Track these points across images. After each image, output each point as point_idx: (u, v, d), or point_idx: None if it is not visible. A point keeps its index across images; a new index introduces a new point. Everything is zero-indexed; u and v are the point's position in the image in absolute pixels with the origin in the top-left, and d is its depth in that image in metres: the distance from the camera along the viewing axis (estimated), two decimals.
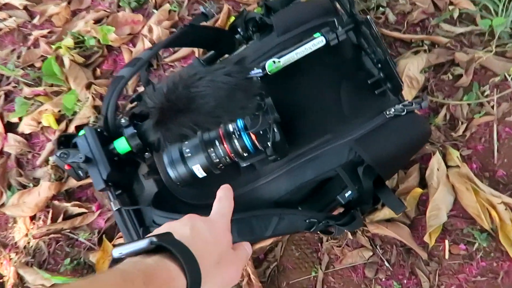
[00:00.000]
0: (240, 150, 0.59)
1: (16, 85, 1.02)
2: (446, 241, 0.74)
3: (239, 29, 0.81)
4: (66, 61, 0.94)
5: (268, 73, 0.63)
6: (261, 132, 0.57)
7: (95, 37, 0.96)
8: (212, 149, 0.59)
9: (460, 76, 0.83)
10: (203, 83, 0.49)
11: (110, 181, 0.62)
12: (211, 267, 0.35)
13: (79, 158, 0.60)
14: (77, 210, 0.84)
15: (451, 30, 0.86)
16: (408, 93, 0.81)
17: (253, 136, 0.58)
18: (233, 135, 0.59)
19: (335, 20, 0.63)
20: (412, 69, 0.83)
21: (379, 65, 0.65)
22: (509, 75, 0.80)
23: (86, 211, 0.84)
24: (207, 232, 0.37)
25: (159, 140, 0.58)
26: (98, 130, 0.65)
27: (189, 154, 0.60)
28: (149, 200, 0.66)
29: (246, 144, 0.59)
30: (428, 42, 0.86)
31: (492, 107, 0.80)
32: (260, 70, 0.52)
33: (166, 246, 0.32)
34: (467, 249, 0.73)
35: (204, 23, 0.79)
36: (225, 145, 0.59)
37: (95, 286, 0.28)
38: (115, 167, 0.63)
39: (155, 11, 1.00)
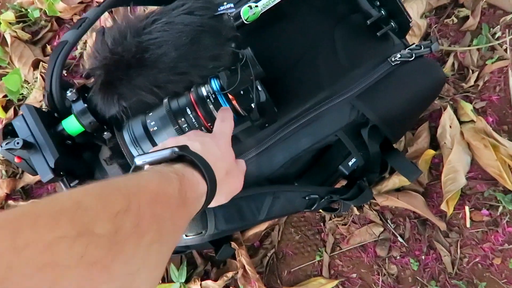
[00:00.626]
0: None
1: None
2: (466, 208, 0.64)
3: None
4: (8, 38, 0.80)
5: (245, 21, 0.52)
6: (241, 92, 0.46)
7: (40, 9, 0.82)
8: (183, 119, 0.48)
9: (466, 18, 0.73)
10: (158, 27, 0.37)
11: (61, 170, 0.50)
12: (221, 178, 0.37)
13: (16, 143, 0.48)
14: None
15: None
16: (409, 42, 0.70)
17: (231, 98, 0.47)
18: (208, 99, 0.47)
19: None
20: (411, 14, 0.71)
21: (378, 2, 0.54)
22: None
23: None
24: (215, 147, 0.39)
25: (119, 115, 0.47)
26: (43, 109, 0.53)
27: (155, 128, 0.49)
28: None
29: None
30: None
31: (506, 50, 0.70)
32: (232, 5, 0.40)
33: (188, 156, 0.34)
34: (491, 215, 0.63)
35: None
36: (199, 113, 0.48)
37: (139, 179, 0.29)
38: (67, 152, 0.52)
39: None
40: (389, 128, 0.54)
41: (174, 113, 0.48)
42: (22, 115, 0.50)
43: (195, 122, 0.48)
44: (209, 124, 0.48)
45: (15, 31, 0.81)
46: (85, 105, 0.50)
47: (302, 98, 0.53)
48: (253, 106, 0.46)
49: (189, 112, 0.47)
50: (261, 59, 0.52)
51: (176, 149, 0.34)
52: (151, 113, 0.49)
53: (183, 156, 0.34)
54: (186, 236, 0.51)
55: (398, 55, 0.53)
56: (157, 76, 0.39)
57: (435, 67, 0.55)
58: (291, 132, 0.53)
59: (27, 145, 0.48)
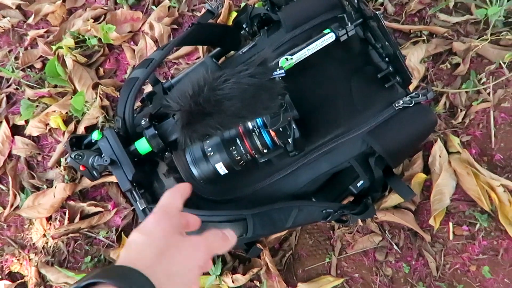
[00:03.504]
0: (260, 146, 0.61)
1: (17, 87, 1.01)
2: (450, 223, 0.78)
3: (244, 25, 0.82)
4: (69, 62, 0.94)
5: (285, 73, 0.66)
6: (280, 129, 0.60)
7: (95, 36, 0.96)
8: (234, 147, 0.61)
9: (458, 65, 0.86)
10: (229, 85, 0.51)
11: (135, 181, 0.64)
12: (152, 261, 0.33)
13: (105, 161, 0.62)
14: (93, 209, 0.86)
15: (447, 20, 0.89)
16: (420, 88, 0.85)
17: (272, 133, 0.61)
18: (253, 133, 0.61)
19: (345, 16, 0.65)
20: (412, 59, 0.86)
21: (387, 59, 0.68)
22: (504, 63, 0.84)
23: (102, 210, 0.86)
24: (140, 236, 0.36)
25: (179, 141, 0.60)
26: (115, 131, 0.66)
27: (212, 153, 0.62)
28: None
29: (266, 141, 0.61)
30: (426, 32, 0.89)
31: (489, 94, 0.84)
32: (283, 71, 0.55)
33: (91, 281, 0.30)
34: (470, 230, 0.78)
35: (209, 21, 0.81)
36: (246, 143, 0.61)
37: None
38: (138, 168, 0.65)
39: (154, 7, 1.00)
40: (391, 158, 0.68)
41: (227, 141, 0.62)
42: (106, 137, 0.64)
43: (242, 150, 0.61)
44: (253, 152, 0.62)
45: (75, 56, 0.94)
46: (155, 131, 0.63)
47: (323, 132, 0.67)
48: (290, 141, 0.60)
49: (238, 141, 0.61)
50: (293, 100, 0.66)
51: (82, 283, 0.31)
52: (207, 141, 0.63)
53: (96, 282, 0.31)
54: None
55: (401, 102, 0.67)
56: (223, 119, 0.52)
57: (429, 112, 0.69)
58: (314, 158, 0.67)
59: (112, 162, 0.62)
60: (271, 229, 0.67)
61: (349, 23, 0.65)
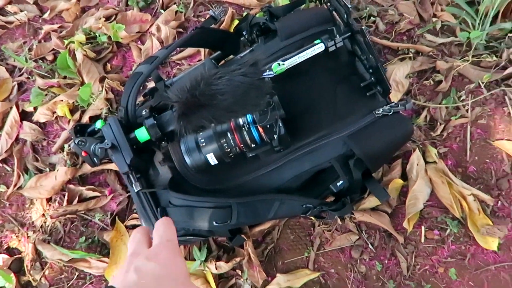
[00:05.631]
0: (248, 141, 0.67)
1: (28, 76, 1.08)
2: (423, 227, 0.84)
3: (244, 32, 0.89)
4: (79, 56, 1.01)
5: (274, 74, 0.72)
6: (268, 126, 0.66)
7: (105, 34, 1.03)
8: (224, 140, 0.67)
9: (440, 82, 0.93)
10: (223, 81, 0.57)
11: (132, 166, 0.69)
12: None
13: (106, 144, 0.67)
14: (91, 193, 0.91)
15: (433, 40, 0.96)
16: (394, 96, 0.91)
17: (260, 129, 0.67)
18: (243, 128, 0.67)
19: (334, 29, 0.71)
20: (398, 74, 0.93)
21: (371, 70, 0.74)
22: (483, 83, 0.90)
23: (99, 194, 0.91)
24: (151, 264, 0.35)
25: (175, 131, 0.66)
26: (119, 120, 0.72)
27: (204, 144, 0.68)
28: (164, 185, 0.74)
29: (254, 136, 0.67)
30: (413, 50, 0.96)
31: (467, 110, 0.91)
32: (272, 72, 0.61)
33: None
34: (440, 234, 0.83)
35: (212, 26, 0.87)
36: (236, 137, 0.67)
37: None
38: (136, 154, 0.71)
39: (162, 11, 1.07)
40: (370, 161, 0.74)
41: (218, 134, 0.68)
42: (109, 124, 0.70)
43: (232, 143, 0.67)
44: (242, 146, 0.68)
45: (85, 50, 1.01)
46: (155, 121, 0.70)
47: (308, 133, 0.73)
48: (275, 137, 0.66)
49: (229, 135, 0.67)
50: (282, 102, 0.72)
51: None
52: (201, 133, 0.69)
53: None
54: (216, 223, 0.71)
55: (381, 110, 0.74)
56: (216, 112, 0.59)
57: (406, 122, 0.75)
58: (298, 157, 0.73)
59: (113, 147, 0.68)
60: (254, 218, 0.72)
61: (337, 35, 0.72)
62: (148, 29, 1.07)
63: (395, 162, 0.88)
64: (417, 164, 0.87)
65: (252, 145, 0.68)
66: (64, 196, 0.92)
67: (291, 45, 0.77)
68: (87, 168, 0.93)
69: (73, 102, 0.98)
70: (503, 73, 0.89)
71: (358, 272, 0.84)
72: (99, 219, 0.90)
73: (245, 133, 0.67)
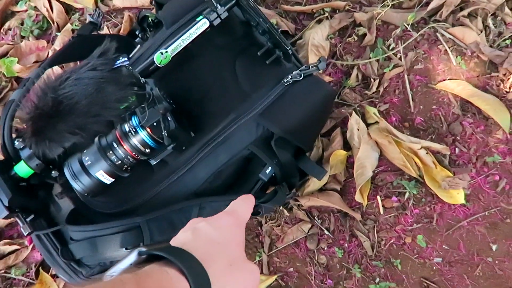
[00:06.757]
0: (140, 147, 0.57)
1: None
2: (378, 197, 0.74)
3: (137, 32, 0.80)
4: None
5: (159, 65, 0.63)
6: (154, 124, 0.56)
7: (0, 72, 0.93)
8: (111, 152, 0.57)
9: (365, 35, 0.84)
10: (70, 83, 0.48)
11: (16, 207, 0.59)
12: (222, 269, 0.32)
13: None
14: (8, 248, 0.81)
15: None
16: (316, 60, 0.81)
17: (148, 130, 0.57)
18: (130, 133, 0.57)
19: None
20: (316, 37, 0.83)
21: (267, 36, 0.65)
22: (408, 25, 0.81)
23: (18, 247, 0.81)
24: (211, 230, 0.34)
25: (33, 152, 0.56)
26: None
27: (89, 162, 0.58)
28: None
29: (144, 139, 0.57)
30: (329, 9, 0.87)
31: (400, 58, 0.82)
32: (126, 59, 0.51)
33: (157, 253, 0.29)
34: (399, 200, 0.73)
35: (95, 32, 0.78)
36: (124, 145, 0.57)
37: None
38: (21, 192, 0.61)
39: (58, 34, 0.98)
40: (293, 137, 0.64)
41: (103, 148, 0.58)
42: None
43: (122, 154, 0.57)
44: (134, 154, 0.58)
45: None
46: (31, 151, 0.59)
47: (214, 122, 0.63)
48: (164, 134, 0.56)
49: (115, 145, 0.57)
50: (177, 95, 0.63)
51: (142, 249, 0.31)
52: (85, 151, 0.59)
53: (155, 255, 0.30)
54: (126, 249, 0.60)
55: (290, 77, 0.64)
56: (75, 120, 0.49)
57: (321, 83, 0.65)
58: (209, 151, 0.63)
59: None
60: (171, 233, 0.61)
61: (218, 5, 0.62)
62: (46, 56, 0.97)
63: (333, 132, 0.79)
64: (358, 129, 0.77)
65: (147, 150, 0.58)
66: None
67: (177, 31, 0.67)
68: (0, 222, 0.83)
69: None
70: (427, 9, 0.80)
71: (318, 264, 0.73)
72: (22, 274, 0.79)
73: (133, 138, 0.57)
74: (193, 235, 0.33)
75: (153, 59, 0.62)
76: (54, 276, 0.78)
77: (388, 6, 0.83)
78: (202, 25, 0.62)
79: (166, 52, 0.62)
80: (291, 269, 0.74)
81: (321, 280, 0.72)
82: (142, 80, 0.56)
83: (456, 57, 0.79)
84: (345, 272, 0.72)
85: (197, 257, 0.30)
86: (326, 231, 0.74)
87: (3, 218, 0.59)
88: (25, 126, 0.49)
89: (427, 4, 0.81)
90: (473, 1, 0.80)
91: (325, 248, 0.74)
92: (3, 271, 0.80)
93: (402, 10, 0.84)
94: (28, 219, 0.62)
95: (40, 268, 0.79)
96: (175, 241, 0.34)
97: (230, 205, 0.40)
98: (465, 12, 0.80)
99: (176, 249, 0.31)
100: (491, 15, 0.79)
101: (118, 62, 0.50)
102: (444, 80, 0.78)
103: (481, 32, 0.79)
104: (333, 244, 0.73)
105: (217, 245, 0.33)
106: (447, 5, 0.80)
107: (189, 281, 0.28)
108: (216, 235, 0.34)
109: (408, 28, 0.82)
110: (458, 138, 0.74)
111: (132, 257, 0.30)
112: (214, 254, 0.32)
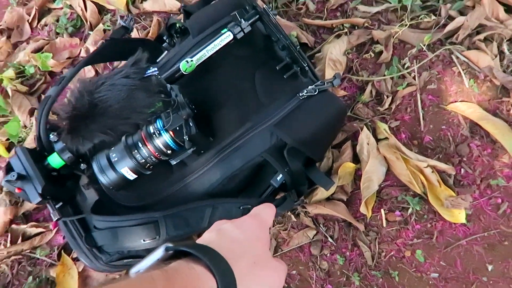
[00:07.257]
0: (163, 148, 0.62)
1: None
2: (382, 210, 0.77)
3: (164, 37, 0.85)
4: (9, 92, 0.97)
5: (184, 73, 0.67)
6: (177, 128, 0.61)
7: (35, 65, 1.00)
8: (136, 151, 0.62)
9: (381, 52, 0.87)
10: (104, 88, 0.53)
11: (47, 195, 0.65)
12: (246, 268, 0.33)
13: (12, 176, 0.63)
14: (35, 230, 0.87)
15: (367, 10, 0.90)
16: (332, 75, 0.85)
17: (171, 133, 0.62)
18: (154, 135, 0.62)
19: (237, 14, 0.67)
20: (334, 52, 0.87)
21: (285, 52, 0.69)
22: (424, 45, 0.84)
23: (43, 230, 0.87)
24: (235, 230, 0.36)
25: (68, 147, 0.62)
26: (32, 148, 0.68)
27: (116, 159, 0.63)
28: None
29: (167, 142, 0.62)
30: (348, 25, 0.90)
31: (414, 77, 0.84)
32: (156, 69, 0.56)
33: (185, 250, 0.31)
34: (402, 215, 0.76)
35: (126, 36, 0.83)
36: (148, 146, 0.62)
37: None
38: (52, 181, 0.66)
39: (91, 32, 1.04)
40: (305, 148, 0.68)
41: (129, 147, 0.63)
42: (17, 154, 0.66)
43: (146, 153, 0.62)
44: (157, 154, 0.63)
45: (15, 86, 0.98)
46: (64, 144, 0.65)
47: (231, 129, 0.68)
48: (186, 138, 0.61)
49: (140, 145, 0.62)
50: (198, 101, 0.67)
51: (170, 244, 0.32)
52: (113, 148, 0.64)
53: (183, 251, 0.31)
54: (144, 241, 0.65)
55: (305, 91, 0.68)
56: (107, 122, 0.54)
57: (335, 99, 0.69)
58: (225, 156, 0.68)
59: (20, 177, 0.63)
60: (185, 230, 0.67)
61: (242, 20, 0.67)
62: (79, 53, 1.03)
63: (344, 145, 0.82)
64: (367, 143, 0.81)
65: (168, 152, 0.63)
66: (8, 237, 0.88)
67: (202, 40, 0.72)
68: (29, 205, 0.89)
69: (6, 139, 0.94)
70: (444, 31, 0.83)
71: (320, 269, 0.77)
72: (45, 255, 0.85)
73: (157, 140, 0.62)
74: (218, 235, 0.35)
75: (179, 67, 0.67)
76: (75, 259, 0.84)
77: (406, 25, 0.86)
78: (226, 37, 0.67)
79: (192, 61, 0.67)
80: (294, 272, 0.78)
81: (322, 285, 0.76)
82: (168, 87, 0.61)
83: (469, 80, 0.81)
84: (344, 279, 0.75)
85: (232, 268, 0.31)
86: (330, 239, 0.78)
87: (37, 204, 0.65)
88: (63, 124, 0.55)
89: (444, 26, 0.84)
90: (490, 26, 0.82)
91: (328, 254, 0.77)
92: (28, 250, 0.86)
93: (419, 30, 0.87)
94: (57, 206, 0.68)
95: (62, 251, 0.85)
96: (200, 241, 0.35)
97: (253, 210, 0.42)
98: (481, 36, 0.82)
99: (203, 247, 0.32)
100: (507, 40, 0.81)
101: (148, 71, 0.55)
102: (455, 101, 0.81)
103: (496, 57, 0.81)
104: (336, 252, 0.77)
105: (241, 244, 0.35)
106: (464, 28, 0.82)
107: (216, 278, 0.29)
108: (240, 235, 0.35)
109: (424, 48, 0.84)
110: (464, 159, 0.77)
111: (159, 252, 0.31)
112: (239, 253, 0.33)
